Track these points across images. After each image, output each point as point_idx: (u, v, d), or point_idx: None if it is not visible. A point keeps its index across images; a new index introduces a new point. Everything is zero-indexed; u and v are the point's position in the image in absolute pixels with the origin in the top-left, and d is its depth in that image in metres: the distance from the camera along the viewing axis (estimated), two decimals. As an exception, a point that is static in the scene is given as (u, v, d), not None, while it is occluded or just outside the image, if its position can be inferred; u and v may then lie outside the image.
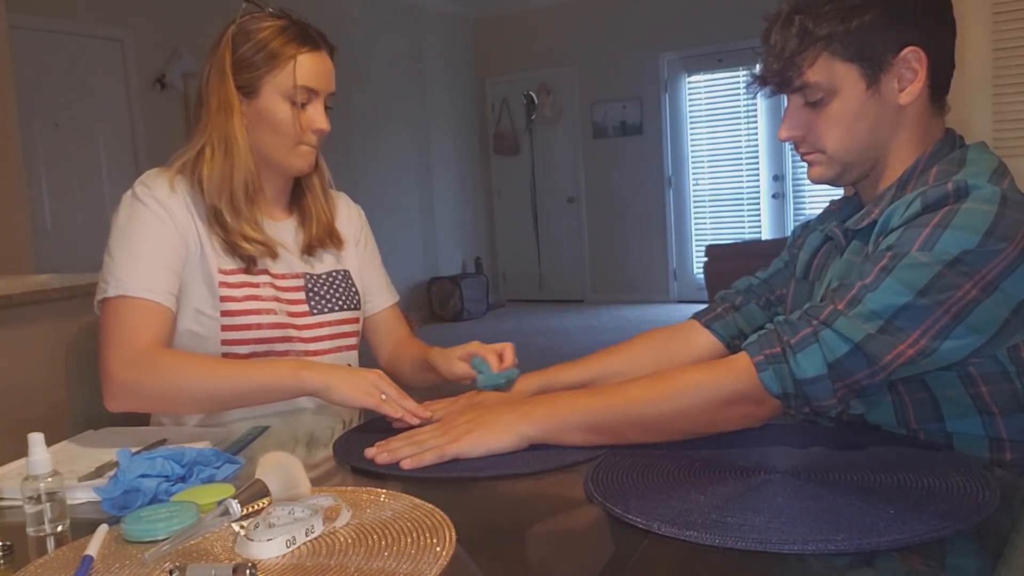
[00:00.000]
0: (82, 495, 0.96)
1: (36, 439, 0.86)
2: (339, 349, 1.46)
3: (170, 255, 1.32)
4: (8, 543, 0.83)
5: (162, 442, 1.11)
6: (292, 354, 1.39)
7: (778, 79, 1.05)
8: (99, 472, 0.99)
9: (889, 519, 0.75)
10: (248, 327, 1.35)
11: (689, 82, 7.58)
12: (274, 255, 1.40)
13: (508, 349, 1.31)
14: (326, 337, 1.44)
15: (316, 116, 1.37)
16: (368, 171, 6.89)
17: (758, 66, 1.08)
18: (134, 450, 1.00)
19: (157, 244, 1.31)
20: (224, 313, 1.34)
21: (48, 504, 0.86)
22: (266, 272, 1.40)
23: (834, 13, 1.00)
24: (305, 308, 1.42)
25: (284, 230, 1.46)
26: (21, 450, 0.89)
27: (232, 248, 1.36)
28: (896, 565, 0.71)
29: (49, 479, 0.86)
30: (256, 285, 1.38)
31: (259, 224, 1.40)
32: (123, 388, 1.24)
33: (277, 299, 1.39)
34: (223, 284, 1.35)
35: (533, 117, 8.26)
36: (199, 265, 1.35)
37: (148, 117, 5.43)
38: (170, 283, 1.31)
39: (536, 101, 8.20)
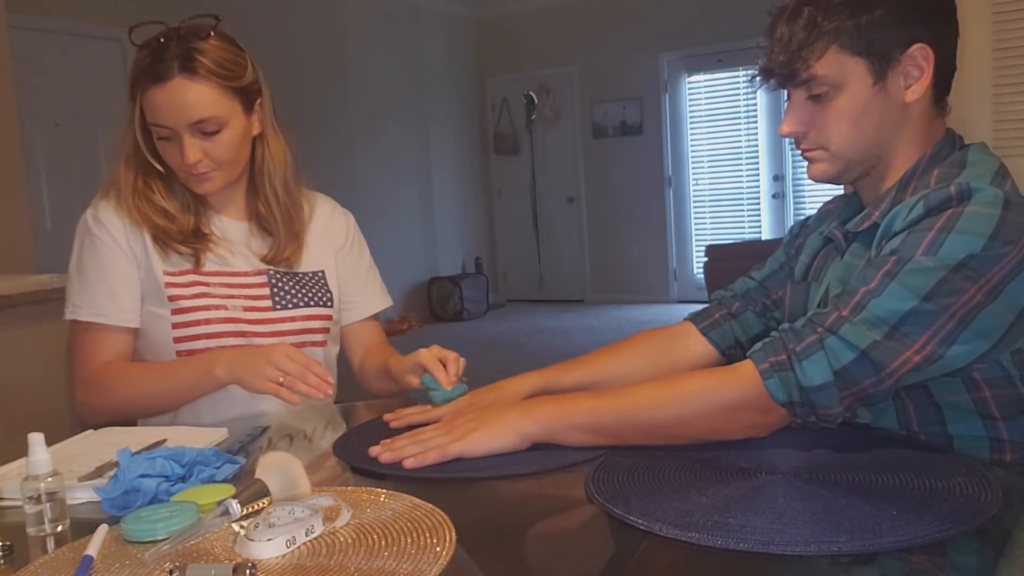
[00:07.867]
0: (82, 495, 0.96)
1: (36, 439, 0.86)
2: (303, 345, 1.44)
3: (118, 275, 1.38)
4: (8, 543, 0.83)
5: (162, 442, 1.11)
6: None
7: (785, 71, 1.03)
8: (99, 472, 0.99)
9: (891, 520, 0.75)
10: (197, 323, 1.38)
11: (689, 82, 7.58)
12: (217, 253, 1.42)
13: (451, 361, 1.29)
14: (289, 332, 1.43)
15: (180, 151, 1.33)
16: (368, 171, 6.88)
17: (761, 60, 1.06)
18: (134, 450, 1.00)
19: (106, 269, 1.38)
20: (175, 311, 1.38)
21: (48, 504, 0.86)
22: (221, 272, 1.41)
23: (844, 7, 1.00)
24: (268, 304, 1.43)
25: (237, 228, 1.47)
26: (21, 450, 0.89)
27: (167, 252, 1.39)
28: (899, 566, 0.71)
29: (49, 479, 0.86)
30: (207, 284, 1.40)
31: (192, 229, 1.41)
32: (84, 407, 1.39)
33: (231, 296, 1.40)
34: (169, 284, 1.38)
35: (533, 117, 8.26)
36: (146, 271, 1.39)
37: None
38: (121, 302, 1.38)
39: (536, 101, 8.20)
